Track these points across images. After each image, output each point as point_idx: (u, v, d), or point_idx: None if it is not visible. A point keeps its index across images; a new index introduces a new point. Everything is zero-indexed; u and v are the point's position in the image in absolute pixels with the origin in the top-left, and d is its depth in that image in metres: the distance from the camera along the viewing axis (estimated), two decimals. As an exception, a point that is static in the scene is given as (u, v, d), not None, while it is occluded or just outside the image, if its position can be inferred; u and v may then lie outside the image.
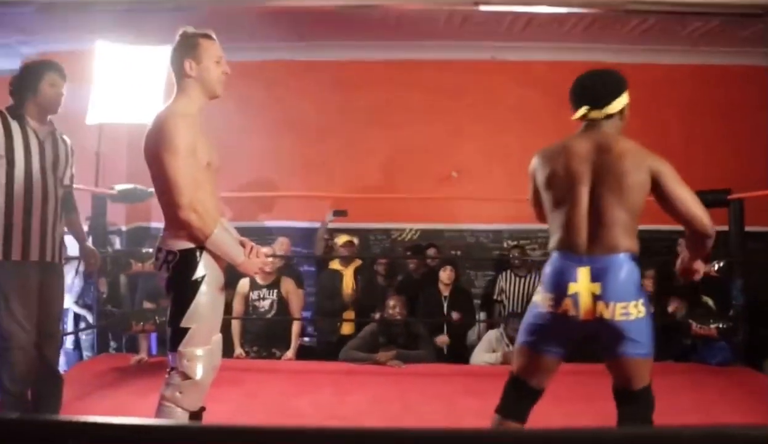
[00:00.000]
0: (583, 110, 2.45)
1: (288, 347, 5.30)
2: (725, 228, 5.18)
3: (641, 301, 2.30)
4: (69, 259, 4.00)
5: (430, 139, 7.08)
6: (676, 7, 5.53)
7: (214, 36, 2.56)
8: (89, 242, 3.69)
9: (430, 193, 6.87)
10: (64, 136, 3.31)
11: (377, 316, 5.48)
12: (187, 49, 2.51)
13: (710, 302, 5.55)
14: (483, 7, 5.53)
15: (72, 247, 3.63)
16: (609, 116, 2.44)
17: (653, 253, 6.80)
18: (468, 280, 6.97)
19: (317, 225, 6.68)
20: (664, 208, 2.34)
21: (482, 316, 6.33)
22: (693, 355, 5.26)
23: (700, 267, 2.58)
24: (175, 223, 2.38)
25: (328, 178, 7.02)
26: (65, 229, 3.33)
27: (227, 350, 5.14)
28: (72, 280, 5.21)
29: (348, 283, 5.89)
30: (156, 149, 2.37)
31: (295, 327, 5.38)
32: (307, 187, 6.75)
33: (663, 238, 6.91)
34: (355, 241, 6.16)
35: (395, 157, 7.11)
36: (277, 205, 7.07)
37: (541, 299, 2.39)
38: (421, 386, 4.38)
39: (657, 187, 2.32)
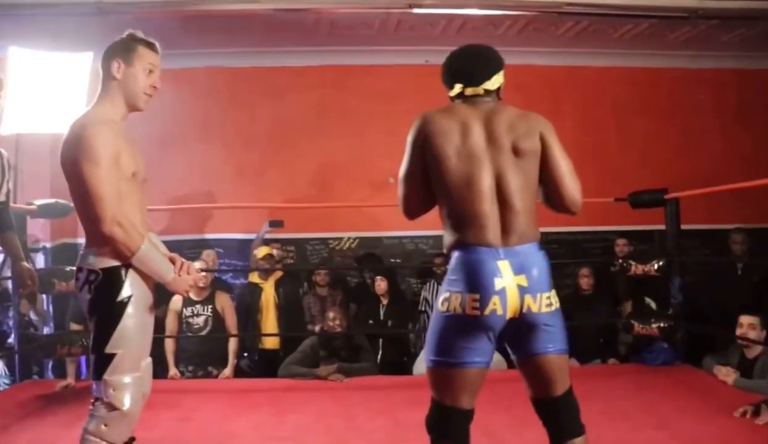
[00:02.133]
0: (458, 88, 2.23)
1: (225, 365, 5.08)
2: (662, 227, 5.25)
3: (554, 292, 2.14)
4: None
5: (366, 146, 6.96)
6: (609, 10, 5.58)
7: (158, 48, 2.37)
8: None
9: (367, 200, 6.76)
10: (0, 150, 3.05)
11: (317, 328, 5.33)
12: (120, 49, 2.32)
13: (653, 304, 5.61)
14: (417, 10, 5.46)
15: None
16: (487, 93, 2.23)
17: (587, 254, 6.88)
18: (409, 288, 6.87)
19: (253, 236, 6.49)
20: (541, 174, 2.16)
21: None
22: (633, 355, 5.29)
23: None
24: (98, 239, 2.17)
25: (262, 188, 6.82)
26: None
27: (161, 370, 4.94)
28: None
29: (268, 296, 5.70)
30: (75, 158, 2.16)
31: (232, 344, 5.17)
32: (240, 198, 6.53)
33: (597, 239, 7.03)
34: (276, 252, 5.98)
35: (330, 164, 6.97)
36: (210, 217, 6.83)
37: (458, 303, 2.06)
38: (364, 400, 4.24)
39: (543, 151, 2.15)
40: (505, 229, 2.08)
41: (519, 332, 2.10)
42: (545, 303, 2.07)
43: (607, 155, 6.89)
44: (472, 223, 2.09)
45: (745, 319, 4.34)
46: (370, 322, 5.66)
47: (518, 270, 2.04)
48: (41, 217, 4.83)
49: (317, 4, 5.48)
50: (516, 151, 2.10)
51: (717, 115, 7.25)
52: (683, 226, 5.14)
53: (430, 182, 2.19)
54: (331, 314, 5.02)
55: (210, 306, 5.18)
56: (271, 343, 5.70)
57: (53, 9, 5.14)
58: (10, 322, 4.99)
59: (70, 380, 4.57)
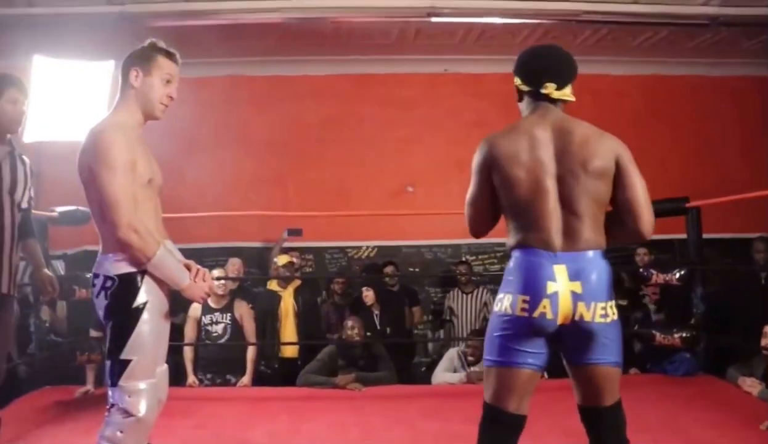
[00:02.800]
0: (551, 87, 2.17)
1: (244, 373, 5.08)
2: (683, 236, 5.18)
3: (613, 302, 2.09)
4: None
5: (384, 154, 6.97)
6: (627, 17, 5.54)
7: (178, 58, 2.39)
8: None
9: (386, 209, 6.75)
10: (24, 157, 3.06)
11: (335, 337, 5.31)
12: (139, 57, 2.34)
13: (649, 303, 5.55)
14: (435, 19, 5.47)
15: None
16: (562, 101, 2.21)
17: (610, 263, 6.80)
18: (428, 297, 6.84)
19: (272, 245, 6.50)
20: (615, 196, 2.12)
21: (442, 334, 6.21)
22: (653, 365, 5.21)
23: None
24: (114, 245, 2.18)
25: (281, 196, 6.85)
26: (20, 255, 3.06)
27: (179, 378, 4.95)
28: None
29: (287, 305, 5.70)
30: (91, 165, 2.18)
31: (251, 352, 5.17)
32: (259, 206, 6.55)
33: (617, 248, 6.93)
34: (296, 260, 5.98)
35: (349, 172, 6.98)
36: (229, 225, 6.84)
37: (509, 304, 2.10)
38: (382, 410, 4.21)
39: (618, 174, 2.10)
40: (567, 233, 2.07)
41: (571, 339, 2.09)
42: (600, 313, 2.03)
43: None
44: (533, 225, 2.10)
45: (769, 329, 4.26)
46: (368, 334, 5.64)
47: (574, 276, 2.03)
48: (62, 224, 4.86)
49: (336, 13, 5.50)
50: (586, 166, 2.07)
51: (738, 122, 7.17)
52: (704, 235, 5.07)
53: (495, 203, 2.20)
54: (349, 323, 5.00)
55: (229, 314, 5.19)
56: (289, 351, 5.70)
57: (76, 18, 5.20)
58: (31, 329, 5.02)
59: (90, 387, 4.59)
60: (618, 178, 2.10)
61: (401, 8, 5.46)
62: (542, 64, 2.22)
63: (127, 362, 2.16)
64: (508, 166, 2.12)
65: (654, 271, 5.00)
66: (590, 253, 2.06)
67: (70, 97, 5.07)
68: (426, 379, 5.40)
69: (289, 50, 6.69)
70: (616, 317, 2.08)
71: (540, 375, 2.16)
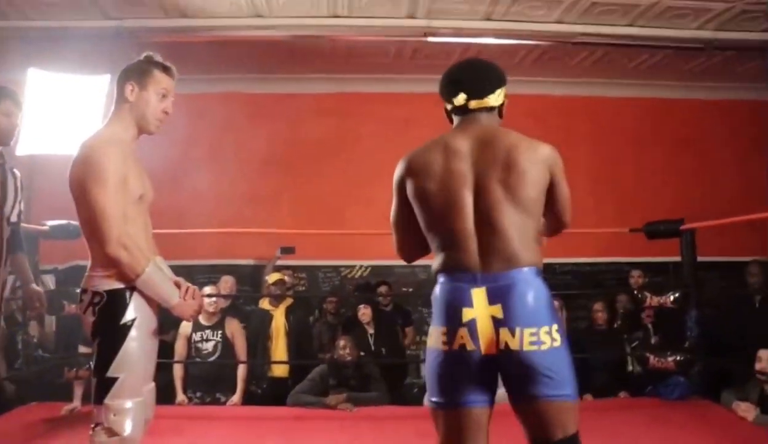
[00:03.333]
0: (461, 98, 2.03)
1: (234, 392, 5.02)
2: (677, 259, 5.17)
3: (555, 326, 1.86)
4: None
5: (380, 173, 6.87)
6: (623, 40, 5.57)
7: (174, 73, 2.36)
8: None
9: (381, 229, 6.70)
10: (15, 170, 3.04)
11: (327, 356, 5.26)
12: (135, 71, 2.30)
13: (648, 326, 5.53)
14: (432, 39, 5.48)
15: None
16: (489, 109, 2.05)
17: (601, 285, 6.79)
18: (421, 318, 6.80)
19: (265, 263, 6.47)
20: (546, 206, 2.01)
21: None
22: (647, 388, 5.17)
23: None
24: (103, 260, 2.15)
25: (275, 214, 6.81)
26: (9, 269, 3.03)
27: (169, 396, 4.89)
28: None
29: (278, 323, 5.65)
30: (82, 178, 2.14)
31: (241, 370, 5.11)
32: (254, 224, 6.52)
33: (611, 270, 6.94)
34: (288, 279, 5.94)
35: (345, 191, 6.96)
36: (222, 242, 6.81)
37: (433, 338, 1.92)
38: (374, 431, 4.16)
39: (550, 186, 1.98)
40: (488, 251, 1.88)
41: (506, 370, 1.88)
42: (529, 339, 1.82)
43: (622, 186, 6.85)
44: (451, 244, 1.93)
45: (764, 354, 4.23)
46: (362, 354, 5.59)
47: (494, 299, 1.84)
48: (53, 238, 4.82)
49: (333, 31, 5.51)
50: (510, 176, 1.90)
51: (733, 146, 7.20)
52: (699, 258, 5.05)
53: (417, 226, 2.03)
54: (341, 342, 4.95)
55: (220, 331, 5.14)
56: (280, 370, 5.63)
57: (72, 32, 5.19)
58: (19, 345, 4.96)
59: (77, 404, 4.52)
60: (549, 191, 1.98)
61: (398, 27, 5.48)
62: (454, 77, 2.12)
63: (114, 380, 2.11)
64: (420, 179, 1.98)
65: (648, 294, 4.98)
66: (516, 272, 1.86)
67: (65, 111, 5.06)
68: (418, 400, 5.35)
69: (286, 68, 6.71)
70: (558, 343, 1.85)
71: (489, 410, 1.93)
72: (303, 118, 6.99)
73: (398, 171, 2.08)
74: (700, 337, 4.88)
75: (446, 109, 2.15)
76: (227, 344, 5.13)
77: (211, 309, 5.07)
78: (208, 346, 5.10)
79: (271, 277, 5.82)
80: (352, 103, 7.03)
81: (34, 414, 4.43)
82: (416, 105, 7.01)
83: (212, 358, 5.10)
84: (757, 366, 4.22)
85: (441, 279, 1.96)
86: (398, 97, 7.06)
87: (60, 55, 5.29)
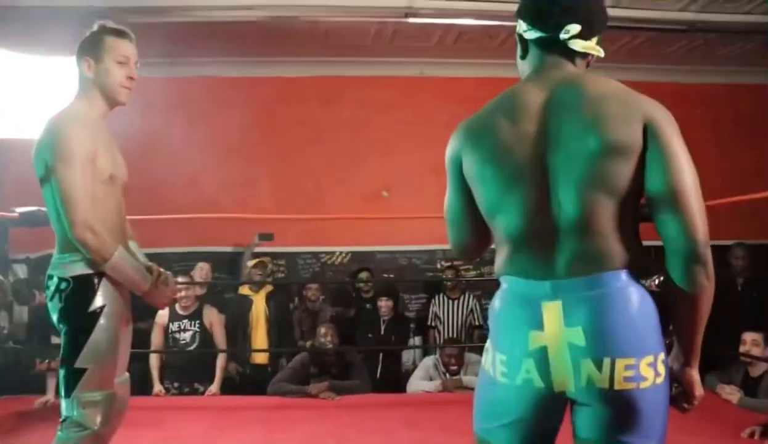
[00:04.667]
0: (574, 29, 1.45)
1: (212, 381, 4.91)
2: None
3: (662, 355, 1.37)
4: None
5: (360, 158, 6.86)
6: (623, 22, 5.47)
7: (129, 33, 2.21)
8: None
9: (361, 213, 6.62)
10: None
11: (307, 344, 5.17)
12: (88, 46, 2.17)
13: None
14: (412, 20, 5.37)
15: None
16: (584, 55, 1.53)
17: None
18: (402, 304, 6.72)
19: (242, 249, 6.35)
20: (648, 188, 1.39)
21: (417, 341, 6.09)
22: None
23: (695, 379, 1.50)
24: (69, 244, 2.03)
25: (253, 200, 6.68)
26: None
27: (145, 387, 4.77)
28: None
29: (258, 309, 5.55)
30: (47, 158, 2.03)
31: (221, 359, 5.00)
32: (231, 210, 6.38)
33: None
34: (267, 262, 5.84)
35: (323, 177, 6.85)
36: (198, 229, 6.66)
37: (490, 362, 1.48)
38: (357, 419, 4.08)
39: (651, 150, 1.37)
40: (567, 248, 1.38)
41: (581, 406, 1.41)
42: (624, 374, 1.32)
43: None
44: (516, 239, 1.44)
45: (748, 336, 4.22)
46: (369, 335, 5.52)
47: (573, 317, 1.35)
48: (23, 226, 4.65)
49: (311, 12, 5.37)
50: (597, 141, 1.36)
51: (714, 130, 7.16)
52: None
53: (477, 212, 1.54)
54: (322, 330, 4.86)
55: (197, 321, 5.01)
56: (260, 358, 5.54)
57: (42, 11, 5.02)
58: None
59: (50, 396, 4.38)
60: (652, 159, 1.37)
61: (378, 8, 5.35)
62: None
63: (82, 371, 2.00)
64: (479, 151, 1.47)
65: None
66: (606, 277, 1.35)
67: (35, 94, 4.91)
68: (397, 388, 5.28)
69: (264, 51, 6.56)
70: (661, 379, 1.36)
71: None
72: (281, 101, 6.86)
73: (452, 144, 1.56)
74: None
75: (521, 37, 1.57)
76: (206, 334, 5.01)
77: (185, 302, 4.94)
78: (186, 336, 4.98)
79: (251, 262, 5.72)
80: (331, 86, 6.90)
81: (4, 407, 4.30)
82: (396, 88, 6.93)
83: (190, 348, 4.97)
84: (742, 348, 4.21)
85: (504, 284, 1.48)
86: (378, 80, 6.94)
87: (30, 36, 5.12)
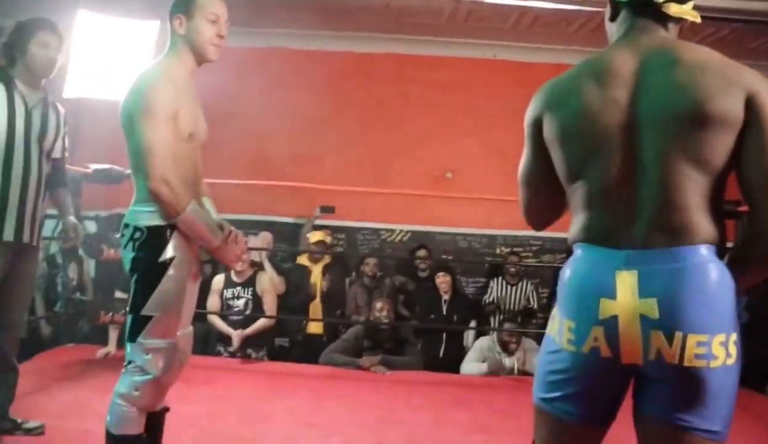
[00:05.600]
0: None
1: (264, 348, 4.99)
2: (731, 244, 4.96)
3: (734, 335, 1.32)
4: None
5: (427, 138, 6.83)
6: (707, 12, 5.28)
7: None
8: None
9: (424, 190, 6.60)
10: (58, 105, 2.99)
11: (362, 318, 5.21)
12: (180, 3, 2.22)
13: None
14: (489, 0, 5.29)
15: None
16: (677, 21, 1.46)
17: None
18: (459, 286, 6.69)
19: (303, 221, 6.42)
20: (740, 167, 1.34)
21: (473, 324, 6.07)
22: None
23: None
24: (145, 195, 2.08)
25: (318, 173, 6.72)
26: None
27: (204, 347, 4.88)
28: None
29: (316, 281, 5.62)
30: (132, 110, 2.08)
31: (264, 322, 5.05)
32: (296, 181, 6.46)
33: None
34: (328, 240, 5.91)
35: (388, 154, 6.85)
36: (263, 198, 6.75)
37: (556, 330, 1.45)
38: (406, 394, 4.10)
39: (749, 126, 1.32)
40: (648, 217, 1.34)
41: (648, 380, 1.38)
42: (695, 351, 1.28)
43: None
44: (596, 206, 1.41)
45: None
46: (432, 316, 5.52)
47: (649, 288, 1.31)
48: (96, 182, 4.80)
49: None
50: (691, 111, 1.32)
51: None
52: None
53: (554, 178, 1.51)
54: (378, 305, 4.88)
55: (251, 289, 5.06)
56: (314, 327, 5.61)
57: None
58: (58, 287, 4.99)
59: (111, 348, 4.53)
60: (750, 134, 1.32)
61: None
62: None
63: (148, 318, 2.06)
64: (562, 114, 1.44)
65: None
66: (686, 251, 1.31)
67: (114, 56, 5.03)
68: (453, 369, 5.27)
69: (336, 24, 6.56)
70: (732, 360, 1.31)
71: (605, 431, 1.48)
72: (350, 76, 6.86)
73: (533, 106, 1.53)
74: (748, 324, 4.70)
75: (612, 1, 1.54)
76: (258, 301, 5.07)
77: (245, 260, 4.99)
78: (239, 304, 5.05)
79: (313, 236, 5.78)
80: (403, 64, 6.87)
81: (69, 355, 4.48)
82: (466, 70, 6.86)
83: (243, 316, 5.04)
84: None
85: (578, 251, 1.45)
86: (450, 60, 6.88)
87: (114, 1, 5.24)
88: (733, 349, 1.31)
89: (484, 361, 4.87)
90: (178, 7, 2.22)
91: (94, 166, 4.66)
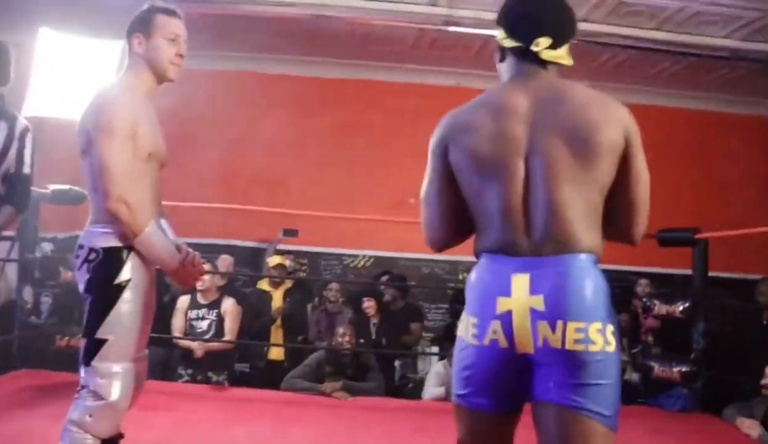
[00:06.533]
0: (543, 43, 1.64)
1: (225, 372, 4.93)
2: (685, 271, 5.08)
3: (610, 327, 1.53)
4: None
5: (390, 164, 6.86)
6: (648, 43, 5.45)
7: (179, 12, 2.24)
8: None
9: (387, 216, 6.61)
10: (18, 117, 2.73)
11: (324, 343, 5.17)
12: (139, 22, 2.20)
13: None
14: (453, 28, 5.38)
15: None
16: (556, 64, 1.68)
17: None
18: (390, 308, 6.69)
19: (265, 245, 6.37)
20: (613, 188, 1.62)
21: (435, 350, 6.07)
22: (647, 399, 5.07)
23: None
24: (102, 215, 2.05)
25: (281, 197, 6.70)
26: None
27: (163, 373, 4.80)
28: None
29: (277, 305, 5.58)
30: (89, 128, 2.05)
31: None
32: (260, 204, 6.42)
33: (617, 278, 6.82)
34: (288, 263, 5.88)
35: (353, 179, 6.86)
36: (224, 221, 6.69)
37: (463, 328, 1.64)
38: (368, 421, 4.07)
39: (623, 158, 1.60)
40: (539, 231, 1.56)
41: (540, 371, 1.56)
42: (575, 336, 1.49)
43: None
44: (496, 223, 1.60)
45: (771, 371, 4.12)
46: (362, 340, 5.47)
47: (537, 287, 1.52)
48: (54, 203, 4.73)
49: (351, 13, 5.40)
50: (578, 140, 1.56)
51: (748, 161, 7.07)
52: (710, 273, 4.95)
53: (458, 201, 1.70)
54: (341, 330, 4.86)
55: (216, 311, 5.03)
56: (276, 353, 5.55)
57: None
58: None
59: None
60: (622, 166, 1.60)
61: (419, 14, 5.37)
62: (535, 12, 1.69)
63: (103, 342, 2.01)
64: (465, 142, 1.64)
65: (657, 302, 4.87)
66: (569, 258, 1.54)
67: (76, 74, 4.98)
68: (413, 395, 5.26)
69: (302, 49, 6.60)
70: (611, 348, 1.52)
71: (515, 418, 1.67)
72: (316, 101, 6.90)
73: (438, 132, 1.73)
74: (706, 351, 4.78)
75: (500, 44, 1.74)
76: (222, 324, 5.02)
77: (205, 286, 4.96)
78: (203, 325, 4.99)
79: (272, 261, 5.74)
80: (367, 90, 6.93)
81: (25, 380, 4.35)
82: (431, 97, 6.91)
83: (206, 337, 4.99)
84: (763, 381, 4.12)
85: (482, 260, 1.65)
86: (414, 87, 6.97)
87: (74, 17, 5.19)
88: (611, 338, 1.53)
89: (441, 386, 4.85)
90: (136, 26, 2.20)
91: (53, 187, 4.58)
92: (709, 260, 4.89)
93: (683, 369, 4.62)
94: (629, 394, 5.11)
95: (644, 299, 5.13)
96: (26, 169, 2.76)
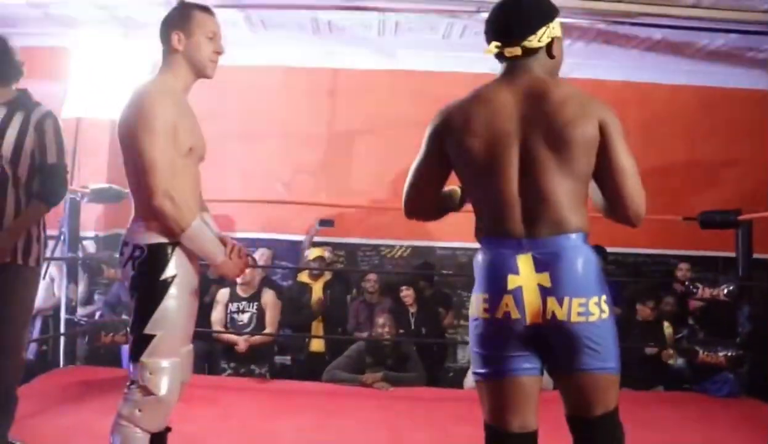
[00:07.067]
0: (493, 47, 1.84)
1: (267, 365, 4.98)
2: (727, 254, 4.98)
3: (604, 297, 1.77)
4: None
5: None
6: (685, 22, 5.31)
7: (214, 12, 2.27)
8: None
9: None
10: (40, 109, 2.71)
11: (365, 334, 5.19)
12: (177, 20, 2.22)
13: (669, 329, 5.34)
14: (485, 14, 5.30)
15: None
16: (531, 51, 1.83)
17: (645, 276, 6.54)
18: (460, 302, 6.66)
19: (302, 238, 6.40)
20: (598, 176, 1.82)
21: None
22: (691, 384, 4.99)
23: None
24: (146, 212, 2.07)
25: (316, 189, 6.74)
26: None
27: (204, 366, 4.87)
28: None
29: (317, 298, 5.60)
30: (131, 127, 2.07)
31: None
32: (295, 198, 6.44)
33: (658, 262, 6.72)
34: (327, 255, 5.91)
35: (387, 170, 6.81)
36: (262, 216, 6.73)
37: (474, 305, 1.85)
38: (410, 411, 4.08)
39: (602, 149, 1.78)
40: (534, 215, 1.77)
41: (551, 342, 1.79)
42: (578, 310, 1.73)
43: (673, 177, 6.57)
44: (495, 208, 1.81)
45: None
46: (401, 330, 5.48)
47: (541, 266, 1.75)
48: (94, 202, 4.81)
49: (382, 2, 5.37)
50: (560, 135, 1.75)
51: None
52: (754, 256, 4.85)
53: (439, 179, 1.96)
54: (380, 320, 4.87)
55: (256, 303, 5.09)
56: (316, 345, 5.59)
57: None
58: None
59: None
60: (601, 156, 1.79)
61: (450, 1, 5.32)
62: (489, 19, 1.90)
63: (151, 338, 2.05)
64: (461, 137, 1.82)
65: (700, 285, 4.78)
66: (563, 238, 1.76)
67: (112, 76, 5.05)
68: (455, 384, 5.25)
69: (335, 41, 6.56)
70: (606, 315, 1.77)
71: (539, 379, 1.85)
72: (349, 93, 6.87)
73: (434, 124, 1.92)
74: (752, 334, 4.69)
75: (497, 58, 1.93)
76: (263, 316, 5.07)
77: (246, 280, 5.01)
78: (244, 318, 5.05)
79: (312, 253, 5.76)
80: (398, 79, 6.87)
81: (72, 376, 4.44)
82: (463, 84, 6.82)
83: (247, 330, 5.04)
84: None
85: (484, 245, 1.87)
86: (445, 75, 6.86)
87: (109, 20, 5.27)
88: (605, 307, 1.78)
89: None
90: (174, 24, 2.22)
91: (92, 186, 4.66)
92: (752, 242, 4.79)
93: (729, 353, 4.53)
94: (675, 380, 5.06)
95: (687, 283, 5.04)
96: (51, 159, 2.71)
